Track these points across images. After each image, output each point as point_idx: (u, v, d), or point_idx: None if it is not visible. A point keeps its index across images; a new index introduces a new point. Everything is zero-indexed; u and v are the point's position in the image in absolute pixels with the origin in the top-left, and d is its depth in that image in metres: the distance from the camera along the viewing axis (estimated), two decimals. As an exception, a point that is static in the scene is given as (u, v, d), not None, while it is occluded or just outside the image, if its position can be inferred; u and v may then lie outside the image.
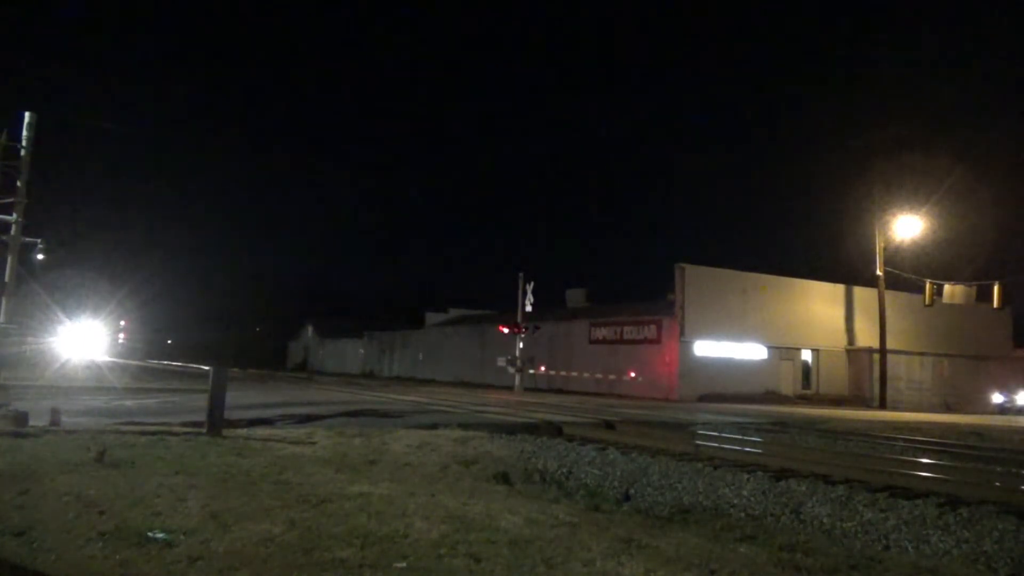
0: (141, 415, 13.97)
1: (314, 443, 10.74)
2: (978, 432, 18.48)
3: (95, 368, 28.57)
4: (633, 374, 36.09)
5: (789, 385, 37.21)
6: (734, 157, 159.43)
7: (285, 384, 34.05)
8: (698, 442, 12.51)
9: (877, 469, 9.96)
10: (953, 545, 6.72)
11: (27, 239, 12.68)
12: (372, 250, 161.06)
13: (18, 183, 12.41)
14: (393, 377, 53.72)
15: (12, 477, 6.79)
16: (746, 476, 9.58)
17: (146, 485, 6.69)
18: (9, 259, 12.34)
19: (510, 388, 36.43)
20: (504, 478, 9.33)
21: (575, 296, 48.91)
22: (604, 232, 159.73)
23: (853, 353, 39.13)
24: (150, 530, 5.14)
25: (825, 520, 7.72)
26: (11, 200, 12.38)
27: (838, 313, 39.79)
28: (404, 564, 4.65)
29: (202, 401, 11.62)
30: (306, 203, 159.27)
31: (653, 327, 36.08)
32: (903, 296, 37.06)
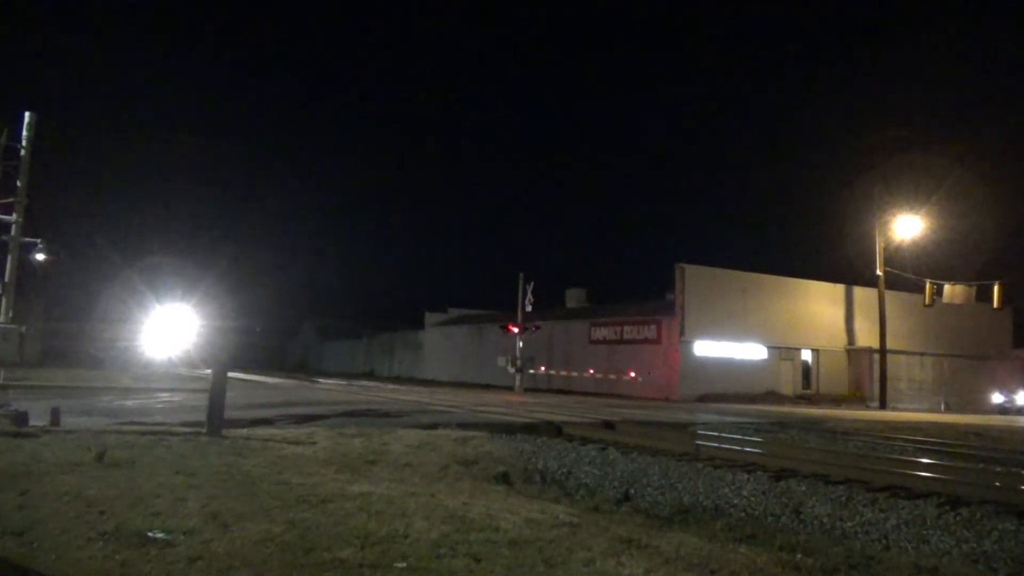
0: (141, 415, 13.97)
1: (314, 443, 10.73)
2: (978, 432, 18.47)
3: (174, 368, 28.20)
4: (633, 374, 36.10)
5: (789, 385, 37.22)
6: (734, 157, 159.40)
7: (285, 384, 34.05)
8: (698, 442, 12.50)
9: (877, 469, 9.95)
10: (953, 545, 6.72)
11: (27, 239, 12.68)
12: (372, 250, 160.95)
13: (18, 183, 12.41)
14: (393, 377, 53.72)
15: (12, 477, 6.79)
16: (746, 476, 9.58)
17: (146, 485, 6.68)
18: (9, 259, 12.34)
19: (510, 388, 36.44)
20: (504, 478, 9.34)
21: (575, 296, 48.93)
22: (604, 232, 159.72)
23: (853, 353, 39.15)
24: (150, 530, 5.13)
25: (825, 520, 7.72)
26: (11, 200, 12.38)
27: (838, 313, 39.81)
28: (404, 564, 4.65)
29: (202, 401, 11.62)
30: (305, 203, 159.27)
31: (653, 327, 36.09)
32: (903, 296, 37.07)
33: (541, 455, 11.34)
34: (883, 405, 33.11)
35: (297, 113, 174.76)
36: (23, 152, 12.45)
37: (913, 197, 34.81)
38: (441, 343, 54.67)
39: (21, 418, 10.65)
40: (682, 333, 34.19)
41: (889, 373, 34.28)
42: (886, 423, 21.14)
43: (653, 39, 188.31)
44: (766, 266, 44.24)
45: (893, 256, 34.70)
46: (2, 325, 11.72)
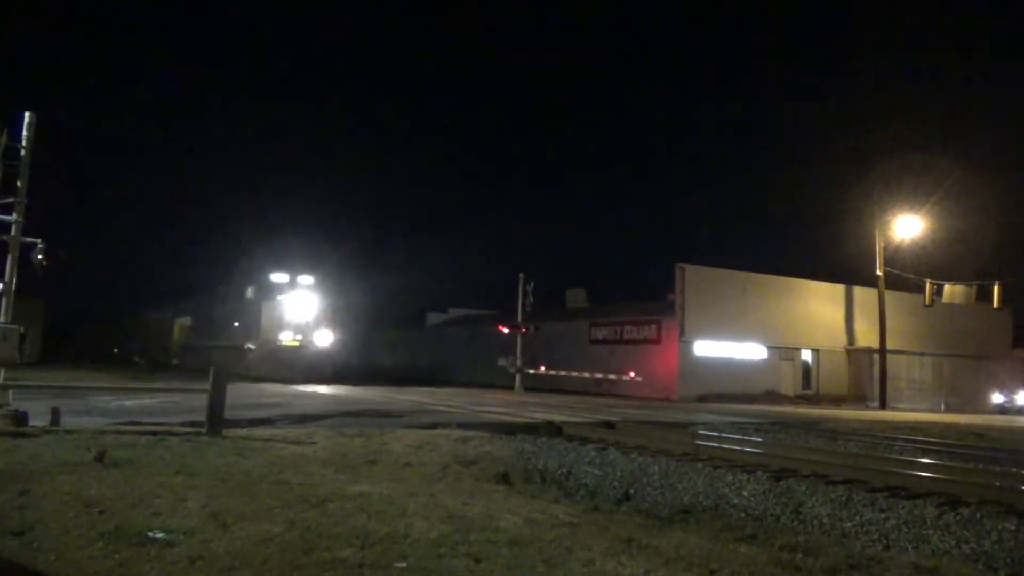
0: (141, 415, 13.97)
1: (314, 443, 10.74)
2: (978, 432, 18.47)
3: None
4: (633, 374, 36.06)
5: (789, 385, 37.22)
6: (734, 157, 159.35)
7: (285, 384, 34.01)
8: (698, 442, 12.50)
9: (877, 469, 9.96)
10: (953, 545, 6.72)
11: (27, 239, 12.66)
12: (373, 250, 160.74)
13: (18, 183, 12.39)
14: (393, 377, 53.68)
15: (12, 477, 6.79)
16: (746, 476, 9.58)
17: (146, 485, 6.69)
18: (9, 259, 12.31)
19: (510, 388, 36.42)
20: (504, 478, 9.33)
21: (575, 296, 48.92)
22: (604, 232, 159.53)
23: (853, 353, 39.15)
24: (150, 530, 5.14)
25: (825, 520, 7.72)
26: (11, 200, 12.36)
27: (838, 313, 39.81)
28: (404, 564, 4.65)
29: (202, 401, 11.62)
30: (305, 202, 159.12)
31: (653, 327, 36.09)
32: (903, 296, 37.06)
33: (541, 455, 11.34)
34: (883, 405, 33.10)
35: (296, 113, 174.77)
36: (23, 152, 12.41)
37: (913, 197, 34.84)
38: (441, 343, 54.67)
39: (21, 418, 10.65)
40: (682, 333, 34.19)
41: (889, 373, 34.27)
42: (886, 423, 21.15)
43: (653, 40, 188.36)
44: (766, 266, 44.24)
45: (893, 256, 34.70)
46: (2, 325, 11.70)
